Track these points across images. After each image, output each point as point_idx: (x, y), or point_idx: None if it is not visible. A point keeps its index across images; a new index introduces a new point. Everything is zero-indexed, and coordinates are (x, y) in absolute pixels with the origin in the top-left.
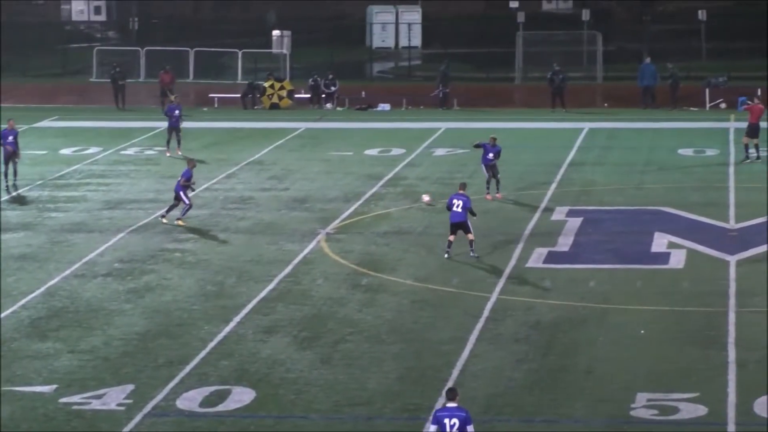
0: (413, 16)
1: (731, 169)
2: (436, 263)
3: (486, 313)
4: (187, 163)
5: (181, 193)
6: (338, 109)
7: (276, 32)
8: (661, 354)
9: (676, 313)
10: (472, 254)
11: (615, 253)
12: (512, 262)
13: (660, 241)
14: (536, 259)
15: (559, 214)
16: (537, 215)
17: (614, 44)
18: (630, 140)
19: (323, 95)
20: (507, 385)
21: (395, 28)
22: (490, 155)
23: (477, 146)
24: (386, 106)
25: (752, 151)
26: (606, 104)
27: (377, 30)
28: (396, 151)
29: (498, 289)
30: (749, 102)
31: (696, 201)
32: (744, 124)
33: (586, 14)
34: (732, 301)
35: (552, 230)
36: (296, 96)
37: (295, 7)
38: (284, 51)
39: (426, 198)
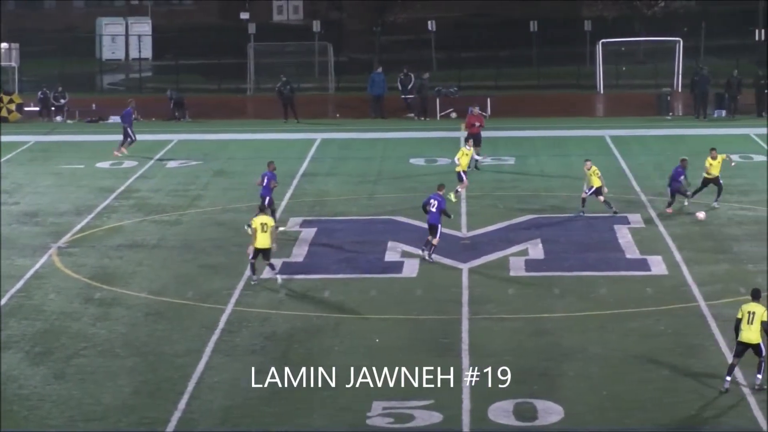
0: (143, 27)
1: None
2: (171, 276)
3: (221, 324)
4: (268, 165)
5: (269, 198)
6: (68, 121)
7: (4, 45)
8: (397, 362)
9: (411, 322)
10: (428, 257)
11: (349, 263)
12: (247, 273)
13: (393, 251)
14: (271, 270)
15: (292, 224)
16: None
17: (346, 55)
18: (362, 150)
19: (53, 108)
20: (244, 397)
21: (125, 40)
22: (681, 178)
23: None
24: (117, 119)
25: (479, 158)
26: (338, 114)
27: (107, 42)
28: (128, 164)
29: (233, 300)
30: (473, 112)
31: None
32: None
33: (316, 25)
34: (465, 309)
35: (286, 241)
36: (25, 109)
37: (23, 19)
38: (12, 63)
39: (701, 215)
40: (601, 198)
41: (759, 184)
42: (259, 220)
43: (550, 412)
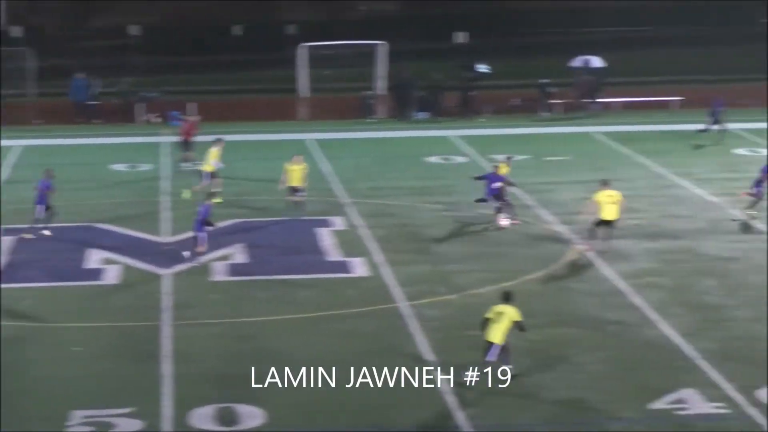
0: None
1: (164, 184)
2: None
3: None
4: (45, 173)
5: (39, 206)
6: None
7: None
8: (98, 370)
9: (112, 329)
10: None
11: (49, 271)
12: None
13: (95, 258)
14: None
15: None
16: None
17: (48, 60)
18: (65, 157)
19: None
20: None
21: None
22: (496, 185)
23: (479, 178)
24: None
25: (188, 164)
26: (41, 121)
27: None
28: None
29: None
30: (182, 117)
31: (130, 216)
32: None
33: (17, 31)
34: (167, 315)
35: None
36: None
37: None
38: None
39: (505, 222)
40: (296, 198)
41: (458, 185)
42: None
43: (253, 416)
